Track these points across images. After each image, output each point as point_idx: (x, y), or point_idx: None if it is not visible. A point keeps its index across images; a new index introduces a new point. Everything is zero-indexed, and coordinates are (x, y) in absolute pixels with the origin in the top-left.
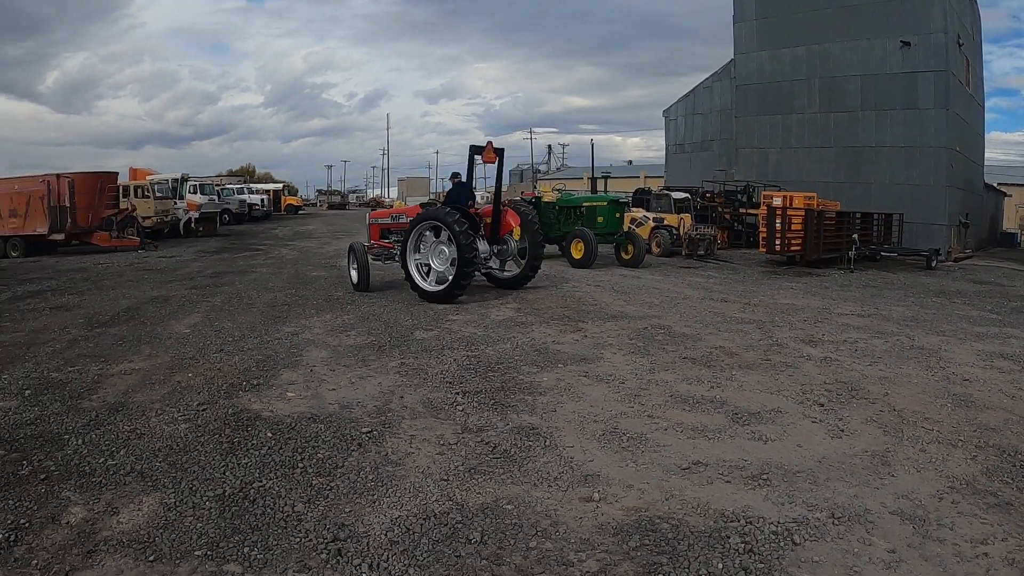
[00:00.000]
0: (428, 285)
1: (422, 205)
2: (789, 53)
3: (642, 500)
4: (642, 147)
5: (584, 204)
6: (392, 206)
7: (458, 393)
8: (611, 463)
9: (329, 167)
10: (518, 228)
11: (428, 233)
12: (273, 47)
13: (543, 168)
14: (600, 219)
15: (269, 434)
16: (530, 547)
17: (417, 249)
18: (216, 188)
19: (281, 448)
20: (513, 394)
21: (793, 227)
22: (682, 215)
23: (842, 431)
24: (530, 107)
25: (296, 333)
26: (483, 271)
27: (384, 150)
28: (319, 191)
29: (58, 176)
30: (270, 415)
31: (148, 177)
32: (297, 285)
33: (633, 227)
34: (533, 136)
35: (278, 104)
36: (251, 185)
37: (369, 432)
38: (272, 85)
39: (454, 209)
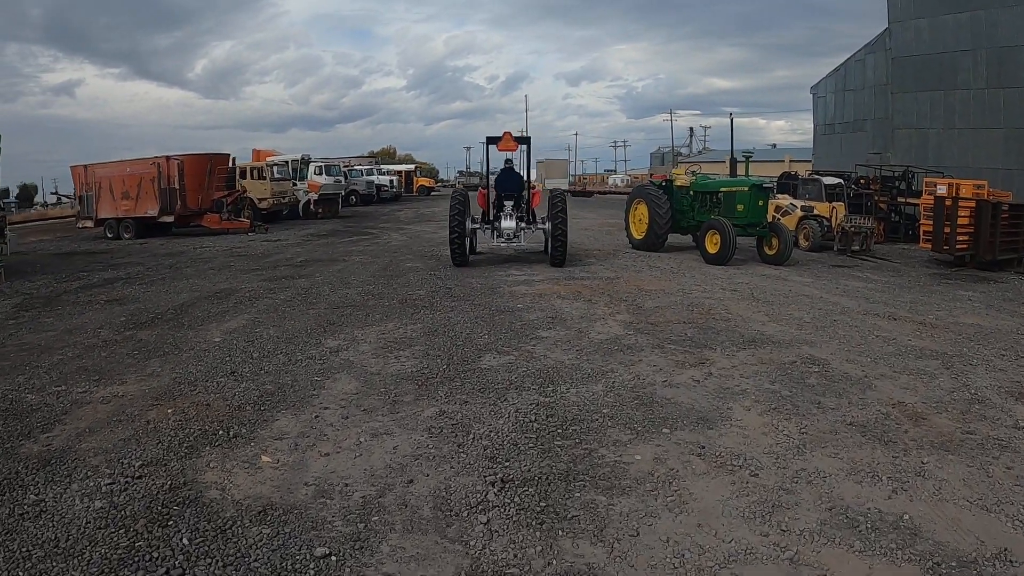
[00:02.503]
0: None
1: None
2: (952, 20)
3: None
4: (786, 130)
5: (722, 189)
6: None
7: (494, 483)
8: None
9: (468, 148)
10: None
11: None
12: (414, 31)
13: (684, 151)
14: (740, 207)
15: (185, 541)
16: None
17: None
18: (343, 169)
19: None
20: (579, 490)
21: (960, 221)
22: (834, 204)
23: None
24: (672, 89)
25: (338, 350)
26: (509, 242)
27: (522, 131)
28: (459, 172)
29: (167, 158)
30: (215, 498)
31: (268, 158)
32: (381, 279)
33: (778, 217)
34: (675, 118)
35: (420, 87)
36: (381, 166)
37: (324, 558)
38: (414, 69)
39: (459, 192)
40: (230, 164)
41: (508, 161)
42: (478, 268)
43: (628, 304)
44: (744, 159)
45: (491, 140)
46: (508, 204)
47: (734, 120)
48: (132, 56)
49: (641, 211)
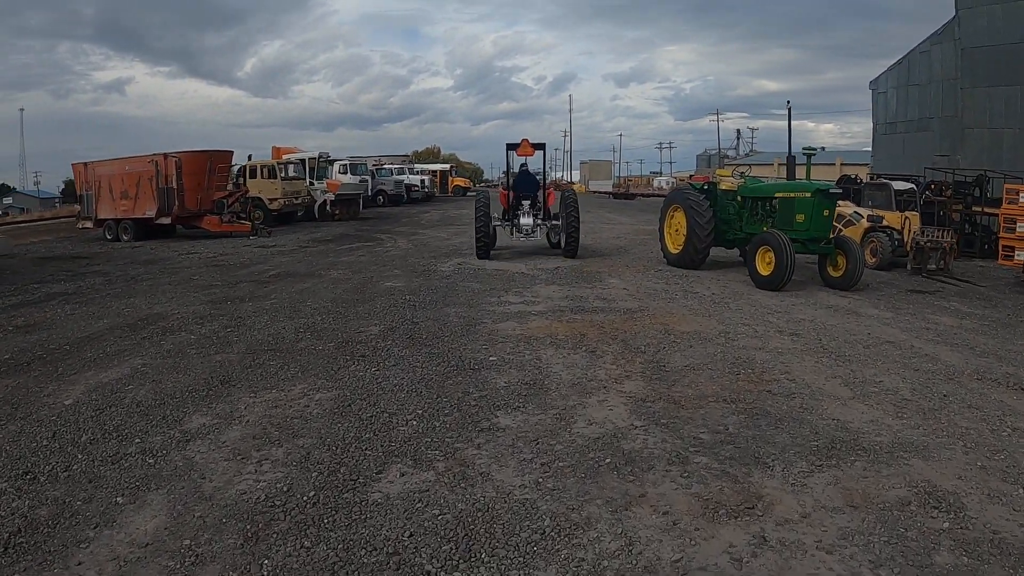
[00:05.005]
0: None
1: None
2: None
3: None
4: (836, 133)
5: (777, 195)
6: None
7: None
8: None
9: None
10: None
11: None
12: (463, 32)
13: (731, 153)
14: (800, 217)
15: None
16: None
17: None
18: (371, 168)
19: None
20: None
21: None
22: (906, 213)
23: None
24: (721, 91)
25: (194, 436)
26: (530, 237)
27: (565, 132)
28: (503, 172)
29: (165, 155)
30: None
31: (284, 156)
32: (341, 305)
33: (840, 228)
34: (721, 120)
35: (468, 87)
36: (414, 165)
37: None
38: (462, 69)
39: (482, 192)
40: (232, 162)
41: (523, 165)
42: (470, 289)
43: (646, 360)
44: (805, 157)
45: (511, 146)
46: (525, 203)
47: (780, 123)
48: (183, 55)
49: (678, 220)
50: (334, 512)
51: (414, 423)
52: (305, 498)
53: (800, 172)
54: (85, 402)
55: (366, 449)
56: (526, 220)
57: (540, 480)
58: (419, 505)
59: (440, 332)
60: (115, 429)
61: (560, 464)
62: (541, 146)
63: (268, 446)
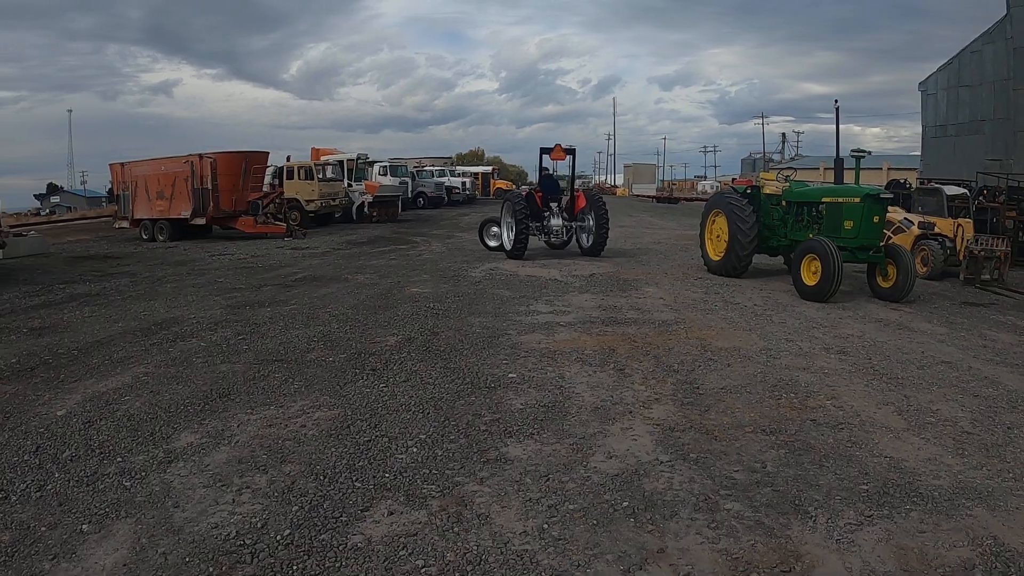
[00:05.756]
0: (508, 245)
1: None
2: None
3: None
4: (882, 137)
5: (824, 199)
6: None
7: None
8: None
9: None
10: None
11: (509, 210)
12: (507, 34)
13: (776, 157)
14: (848, 224)
15: None
16: None
17: (508, 225)
18: (411, 170)
19: None
20: None
21: None
22: (958, 220)
23: None
24: (766, 94)
25: (179, 456)
26: (558, 239)
27: (609, 135)
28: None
29: (200, 156)
30: None
31: (323, 157)
32: (361, 312)
33: (889, 235)
34: (767, 124)
35: (512, 90)
36: (456, 168)
37: None
38: (507, 72)
39: (518, 193)
40: (268, 163)
41: (545, 169)
42: (499, 297)
43: (679, 380)
44: (854, 160)
45: (544, 150)
46: (553, 205)
47: (825, 127)
48: (229, 57)
49: (720, 225)
50: (306, 557)
51: (414, 450)
52: (279, 537)
53: (849, 176)
54: (77, 413)
55: (356, 480)
56: (556, 221)
57: (545, 526)
58: (402, 553)
59: (460, 344)
60: (99, 445)
61: (570, 507)
62: (572, 151)
63: (252, 472)
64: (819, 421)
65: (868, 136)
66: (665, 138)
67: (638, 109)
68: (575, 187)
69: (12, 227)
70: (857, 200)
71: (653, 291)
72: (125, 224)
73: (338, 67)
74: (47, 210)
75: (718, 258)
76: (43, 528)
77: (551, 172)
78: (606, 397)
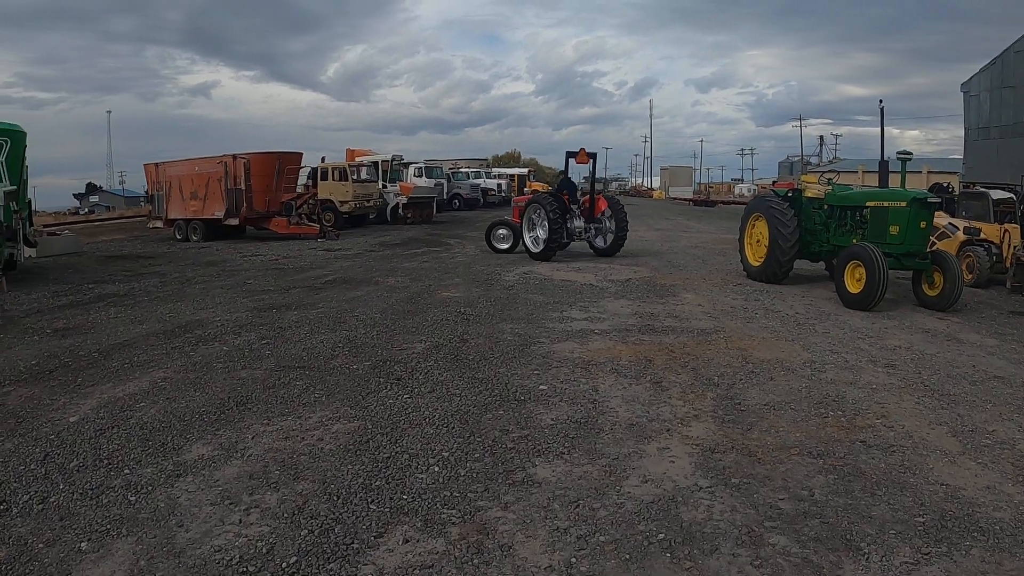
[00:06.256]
0: (531, 248)
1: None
2: None
3: None
4: (921, 140)
5: (868, 203)
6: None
7: None
8: None
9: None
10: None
11: (539, 212)
12: (543, 37)
13: (813, 160)
14: (894, 229)
15: None
16: None
17: (532, 226)
18: (447, 172)
19: None
20: None
21: None
22: (1005, 225)
23: None
24: (804, 96)
25: (187, 471)
26: (580, 240)
27: (645, 137)
28: (584, 178)
29: (234, 156)
30: None
31: (358, 158)
32: (389, 317)
33: (934, 241)
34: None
35: (549, 92)
36: (491, 169)
37: None
38: (543, 74)
39: (550, 195)
40: (302, 164)
41: (563, 172)
42: (532, 302)
43: (719, 395)
44: (900, 163)
45: (570, 154)
46: (574, 207)
47: (863, 130)
48: (267, 59)
49: (760, 229)
50: None
51: (435, 469)
52: (284, 565)
53: (894, 179)
54: (90, 420)
55: (371, 502)
56: (577, 222)
57: (573, 560)
58: None
59: (490, 352)
60: (108, 456)
61: (601, 538)
62: (594, 155)
63: (263, 489)
64: (869, 443)
65: (906, 139)
66: (702, 140)
67: (675, 111)
68: (595, 191)
69: (47, 226)
70: (903, 204)
71: (691, 297)
72: (159, 224)
73: (375, 69)
74: (86, 209)
75: (758, 263)
76: (40, 545)
77: (569, 175)
78: (642, 413)
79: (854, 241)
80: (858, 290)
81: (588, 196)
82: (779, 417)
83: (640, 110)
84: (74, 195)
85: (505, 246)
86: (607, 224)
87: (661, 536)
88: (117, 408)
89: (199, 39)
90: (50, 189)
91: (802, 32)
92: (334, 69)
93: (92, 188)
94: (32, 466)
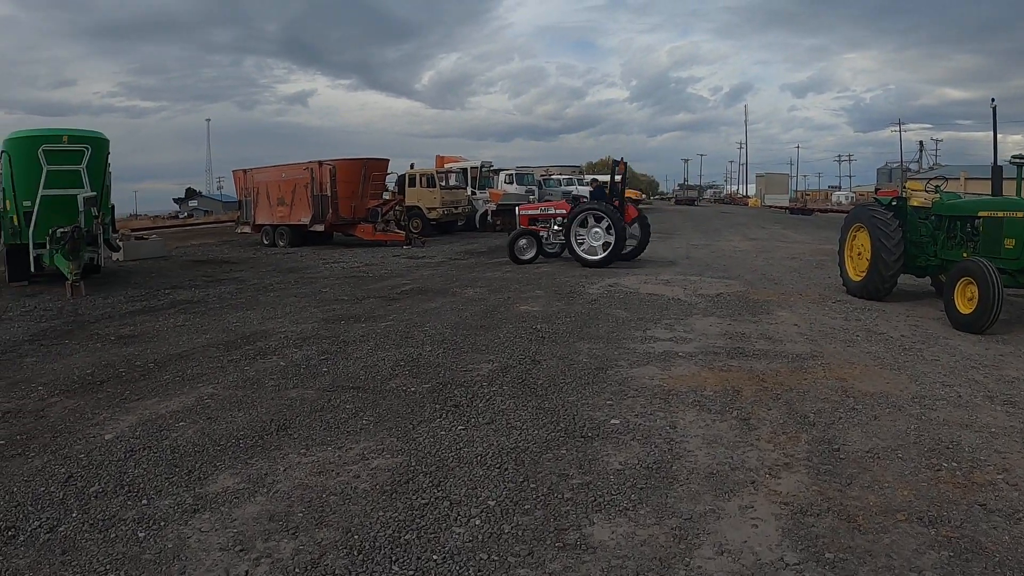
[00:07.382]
0: (586, 256)
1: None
2: None
3: None
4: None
5: (981, 213)
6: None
7: None
8: None
9: (685, 161)
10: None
11: (590, 219)
12: (637, 42)
13: (913, 167)
14: (1010, 243)
15: None
16: None
17: (580, 234)
18: (538, 179)
19: None
20: None
21: None
22: None
23: None
24: (902, 100)
25: (209, 505)
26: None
27: (740, 144)
28: (679, 185)
29: (320, 163)
30: None
31: (447, 164)
32: (460, 333)
33: None
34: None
35: (643, 99)
36: (583, 176)
37: None
38: (637, 80)
39: (602, 203)
40: (388, 170)
41: (595, 180)
42: (614, 318)
43: (815, 438)
44: (1016, 168)
45: (615, 163)
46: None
47: (964, 134)
48: (362, 68)
49: (861, 241)
50: None
51: (476, 522)
52: None
53: (1008, 187)
54: (125, 438)
55: (395, 561)
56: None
57: None
58: None
59: (561, 377)
60: (131, 481)
61: None
62: (624, 164)
63: (280, 535)
64: (989, 507)
65: (1009, 144)
66: (798, 146)
67: (770, 117)
68: (624, 201)
69: (143, 230)
70: (1021, 215)
71: (786, 315)
72: (247, 229)
73: (469, 77)
74: (184, 213)
75: (859, 278)
76: None
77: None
78: (724, 458)
79: (964, 255)
80: (969, 310)
81: (628, 207)
82: (884, 468)
83: (735, 116)
84: (174, 199)
85: (529, 255)
86: (634, 230)
87: None
88: (155, 427)
89: (296, 49)
90: (152, 193)
91: (901, 34)
92: (428, 77)
93: (191, 193)
94: (52, 488)
